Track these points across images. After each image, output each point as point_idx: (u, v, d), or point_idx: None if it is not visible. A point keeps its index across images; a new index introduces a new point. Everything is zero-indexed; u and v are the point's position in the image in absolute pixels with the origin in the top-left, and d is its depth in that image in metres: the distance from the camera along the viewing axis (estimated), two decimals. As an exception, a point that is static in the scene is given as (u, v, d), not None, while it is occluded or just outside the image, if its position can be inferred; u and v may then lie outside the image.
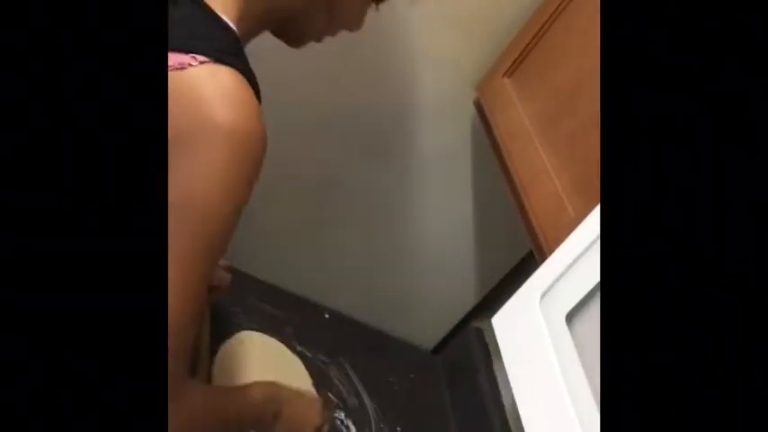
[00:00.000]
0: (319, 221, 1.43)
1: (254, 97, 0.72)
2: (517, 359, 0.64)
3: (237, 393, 0.93)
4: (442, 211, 1.42)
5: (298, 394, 1.03)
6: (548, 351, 0.60)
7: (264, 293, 1.36)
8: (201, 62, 0.69)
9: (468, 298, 1.52)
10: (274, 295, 1.38)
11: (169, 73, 0.68)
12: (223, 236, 0.73)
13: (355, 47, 1.13)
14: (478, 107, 1.21)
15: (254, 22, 0.83)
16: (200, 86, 0.69)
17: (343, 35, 0.94)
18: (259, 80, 0.77)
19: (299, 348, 1.30)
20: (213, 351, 1.17)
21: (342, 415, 1.26)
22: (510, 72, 1.14)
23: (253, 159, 0.70)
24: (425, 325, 1.56)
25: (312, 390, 1.23)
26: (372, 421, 1.28)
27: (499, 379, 1.36)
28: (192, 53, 0.70)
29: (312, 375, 1.25)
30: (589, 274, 0.60)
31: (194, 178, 0.68)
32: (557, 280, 0.63)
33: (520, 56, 1.11)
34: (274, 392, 0.96)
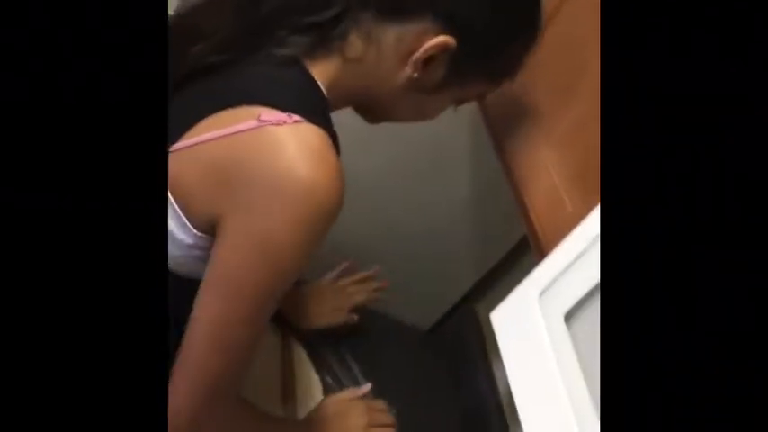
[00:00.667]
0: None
1: (336, 157, 0.77)
2: (515, 357, 0.64)
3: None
4: (439, 192, 1.41)
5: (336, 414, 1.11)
6: (546, 350, 0.61)
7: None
8: (296, 121, 0.74)
9: (464, 279, 1.52)
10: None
11: (267, 127, 0.74)
12: (290, 276, 0.79)
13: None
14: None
15: (344, 95, 0.86)
16: (291, 142, 0.73)
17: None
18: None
19: (294, 333, 1.30)
20: None
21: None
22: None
23: (328, 216, 0.75)
24: (422, 306, 1.56)
25: (314, 376, 1.25)
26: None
27: (493, 360, 1.36)
28: (290, 112, 0.75)
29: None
30: (589, 272, 0.60)
31: (270, 226, 0.74)
32: (556, 278, 0.63)
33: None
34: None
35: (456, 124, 1.31)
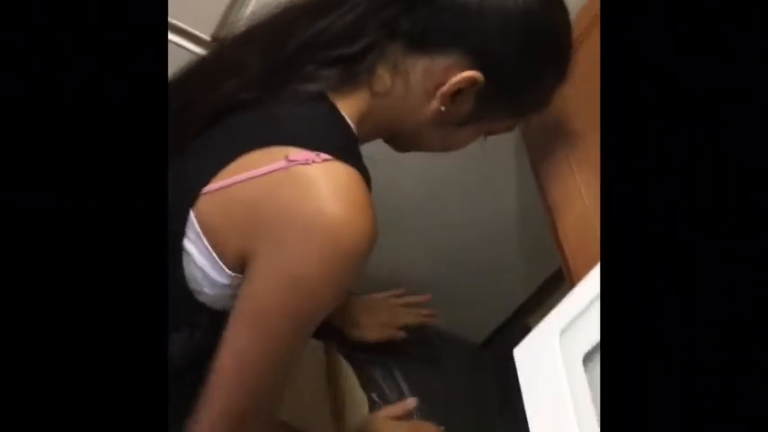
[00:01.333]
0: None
1: (368, 195, 0.77)
2: (534, 395, 0.62)
3: None
4: (491, 204, 1.39)
5: None
6: (563, 391, 0.58)
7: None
8: (324, 160, 0.74)
9: (518, 293, 1.49)
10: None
11: (296, 167, 0.74)
12: (320, 313, 0.78)
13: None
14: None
15: (373, 129, 0.87)
16: (319, 182, 0.74)
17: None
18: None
19: (341, 350, 1.28)
20: None
21: (382, 415, 1.25)
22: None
23: (359, 255, 0.74)
24: (475, 320, 1.53)
25: (360, 393, 1.23)
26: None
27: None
28: (317, 150, 0.75)
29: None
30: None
31: (300, 265, 0.74)
32: (577, 317, 0.60)
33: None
34: None
35: (504, 138, 1.29)
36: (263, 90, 0.82)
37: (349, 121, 0.83)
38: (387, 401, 1.25)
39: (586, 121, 0.96)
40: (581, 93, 0.94)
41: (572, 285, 0.65)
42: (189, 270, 0.79)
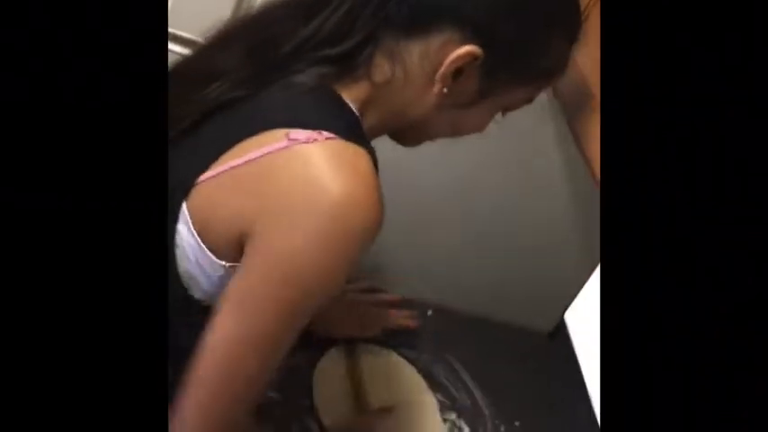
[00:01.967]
0: (414, 219, 1.37)
1: (374, 174, 0.73)
2: (589, 356, 0.59)
3: None
4: (552, 190, 1.35)
5: None
6: None
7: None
8: (327, 138, 0.72)
9: (582, 279, 1.44)
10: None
11: (298, 145, 0.71)
12: (316, 298, 0.74)
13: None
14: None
15: (378, 121, 0.84)
16: (323, 157, 0.71)
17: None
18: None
19: (400, 351, 1.26)
20: (311, 363, 1.16)
21: (453, 416, 1.20)
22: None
23: (362, 234, 0.71)
24: (540, 309, 1.47)
25: (428, 395, 1.21)
26: (488, 419, 1.21)
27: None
28: (320, 129, 0.72)
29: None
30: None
31: (296, 242, 0.70)
32: None
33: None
34: None
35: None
36: (254, 88, 0.79)
37: (352, 106, 0.80)
38: (453, 400, 1.22)
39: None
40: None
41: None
42: (183, 267, 0.76)
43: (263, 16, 0.84)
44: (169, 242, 0.75)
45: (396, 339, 1.27)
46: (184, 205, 0.74)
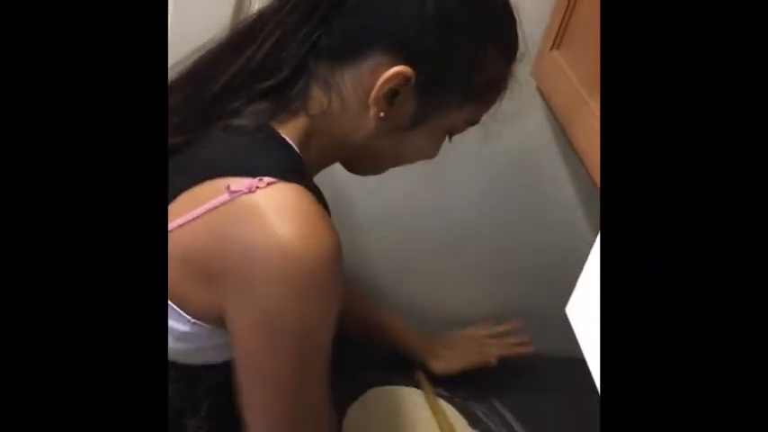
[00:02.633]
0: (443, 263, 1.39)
1: (318, 208, 0.73)
2: (593, 346, 0.60)
3: None
4: (553, 218, 1.36)
5: None
6: None
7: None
8: (268, 183, 0.71)
9: None
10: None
11: (239, 197, 0.71)
12: (316, 341, 0.74)
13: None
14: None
15: (322, 153, 0.84)
16: (266, 208, 0.70)
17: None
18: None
19: (433, 389, 1.25)
20: (340, 412, 1.15)
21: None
22: (557, 44, 1.10)
23: (324, 271, 0.71)
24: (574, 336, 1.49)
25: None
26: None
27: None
28: (260, 176, 0.71)
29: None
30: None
31: (269, 302, 0.71)
32: None
33: (561, 25, 1.08)
34: None
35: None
36: (191, 132, 0.78)
37: (291, 142, 0.79)
38: None
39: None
40: (593, 44, 0.93)
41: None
42: None
43: (198, 63, 0.83)
44: None
45: (429, 378, 1.27)
46: None
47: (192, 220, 0.72)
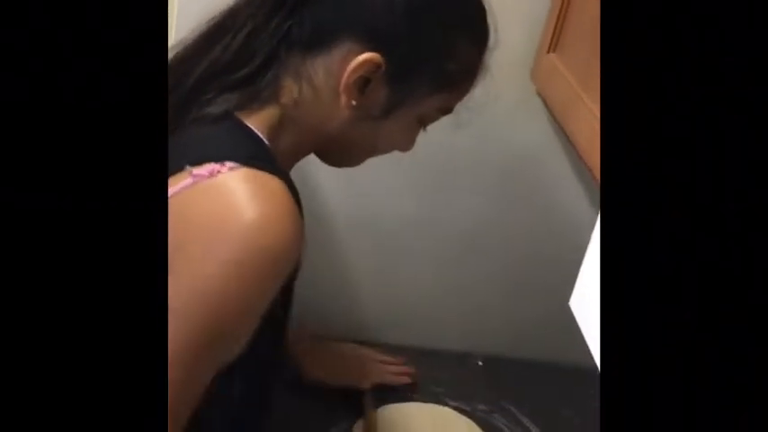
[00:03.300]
0: (452, 273, 1.38)
1: (285, 194, 0.72)
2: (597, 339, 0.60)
3: None
4: (554, 227, 1.35)
5: None
6: None
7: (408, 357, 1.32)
8: (231, 168, 0.71)
9: None
10: (417, 356, 1.33)
11: (202, 181, 0.70)
12: (228, 335, 0.72)
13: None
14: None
15: (296, 144, 0.84)
16: (229, 186, 0.70)
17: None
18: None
19: (452, 404, 1.25)
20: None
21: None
22: (553, 47, 1.11)
23: (274, 261, 0.70)
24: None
25: None
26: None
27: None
28: (222, 161, 0.71)
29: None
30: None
31: (207, 271, 0.69)
32: None
33: (555, 28, 1.09)
34: None
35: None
36: (170, 126, 0.76)
37: (259, 133, 0.79)
38: None
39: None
40: (588, 45, 0.93)
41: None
42: None
43: (174, 57, 0.83)
44: None
45: (449, 393, 1.27)
46: None
47: None
